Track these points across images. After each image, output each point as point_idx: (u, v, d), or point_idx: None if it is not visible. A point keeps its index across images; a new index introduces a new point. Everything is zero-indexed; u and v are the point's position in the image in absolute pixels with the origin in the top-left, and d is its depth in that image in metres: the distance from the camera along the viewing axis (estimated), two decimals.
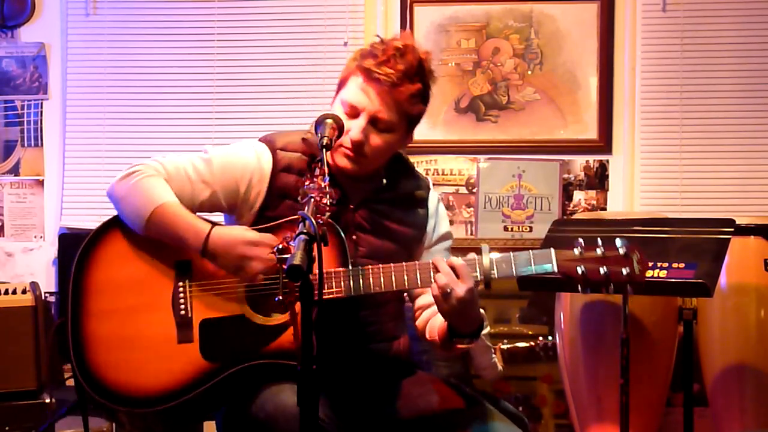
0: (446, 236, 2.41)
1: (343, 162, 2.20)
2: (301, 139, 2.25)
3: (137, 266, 2.19)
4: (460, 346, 2.14)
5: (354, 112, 2.18)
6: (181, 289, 2.16)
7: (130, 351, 2.14)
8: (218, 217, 2.30)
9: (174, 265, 2.18)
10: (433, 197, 2.41)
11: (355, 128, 2.17)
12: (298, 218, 2.08)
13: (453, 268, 2.03)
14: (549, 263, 2.06)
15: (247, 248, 2.09)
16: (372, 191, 2.28)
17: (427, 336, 2.28)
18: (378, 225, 2.27)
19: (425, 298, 2.29)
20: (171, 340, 2.13)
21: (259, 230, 2.17)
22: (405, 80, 2.16)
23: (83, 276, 2.19)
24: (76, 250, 2.22)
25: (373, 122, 2.18)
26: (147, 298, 2.16)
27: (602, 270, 2.03)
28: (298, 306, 2.06)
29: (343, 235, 2.11)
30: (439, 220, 2.39)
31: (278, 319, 2.13)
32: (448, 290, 2.00)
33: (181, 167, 2.21)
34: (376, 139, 2.19)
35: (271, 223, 2.19)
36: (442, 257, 2.09)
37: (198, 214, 2.20)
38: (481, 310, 2.14)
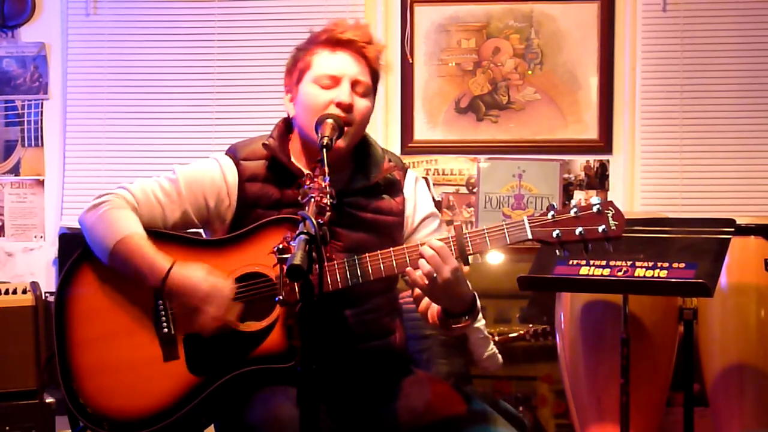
0: (430, 216, 2.34)
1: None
2: (262, 145, 2.24)
3: (115, 290, 2.17)
4: (455, 326, 2.13)
5: (334, 82, 2.18)
6: (161, 307, 2.14)
7: (118, 375, 2.13)
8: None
9: None
10: (410, 178, 2.34)
11: (343, 93, 2.17)
12: (267, 223, 2.10)
13: (434, 251, 2.01)
14: (523, 232, 2.04)
15: (203, 300, 2.07)
16: (342, 183, 2.23)
17: (429, 320, 2.25)
18: (352, 217, 2.23)
19: None
20: (157, 360, 2.12)
21: (229, 239, 2.17)
22: (372, 39, 2.22)
23: (65, 308, 2.18)
24: (77, 250, 2.21)
25: (353, 87, 2.19)
26: (128, 320, 2.15)
27: (578, 230, 2.01)
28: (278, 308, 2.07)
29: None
30: (418, 202, 2.33)
31: (262, 323, 2.11)
32: (434, 275, 2.00)
33: (150, 191, 2.20)
34: (360, 103, 2.20)
35: (240, 231, 2.17)
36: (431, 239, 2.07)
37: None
38: (477, 299, 2.13)
